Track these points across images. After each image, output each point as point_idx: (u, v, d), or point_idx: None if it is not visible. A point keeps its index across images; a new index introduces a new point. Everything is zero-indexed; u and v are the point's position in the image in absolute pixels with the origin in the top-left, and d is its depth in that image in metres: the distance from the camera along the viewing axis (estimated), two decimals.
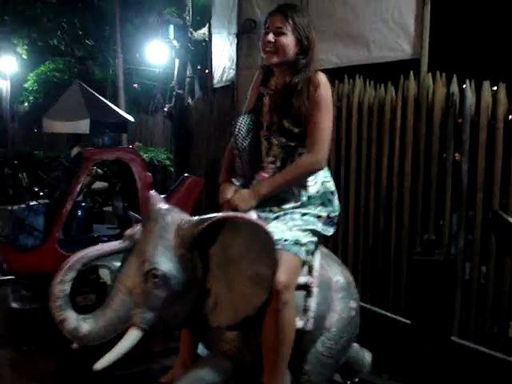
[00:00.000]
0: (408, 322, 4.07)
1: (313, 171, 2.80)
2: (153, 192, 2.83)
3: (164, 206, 2.66)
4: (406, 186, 4.47)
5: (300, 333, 2.72)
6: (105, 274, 3.94)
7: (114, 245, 2.62)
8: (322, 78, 2.75)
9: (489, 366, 3.91)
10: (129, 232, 2.62)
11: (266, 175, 2.84)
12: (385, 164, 4.62)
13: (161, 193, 6.36)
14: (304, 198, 2.81)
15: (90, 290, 3.82)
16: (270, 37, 2.72)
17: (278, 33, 2.72)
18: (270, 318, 2.61)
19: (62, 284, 2.47)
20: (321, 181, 2.86)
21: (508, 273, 3.89)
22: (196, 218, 2.59)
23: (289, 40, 2.73)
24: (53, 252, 5.12)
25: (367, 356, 3.30)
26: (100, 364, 2.47)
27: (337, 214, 2.94)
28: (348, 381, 3.05)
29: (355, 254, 4.89)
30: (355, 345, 3.20)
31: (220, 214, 2.56)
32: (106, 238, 5.99)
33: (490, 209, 3.06)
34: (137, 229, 2.61)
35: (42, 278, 3.78)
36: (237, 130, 2.87)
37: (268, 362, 2.68)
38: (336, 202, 2.94)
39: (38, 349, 4.77)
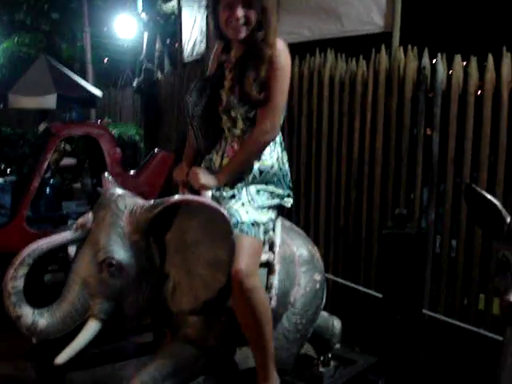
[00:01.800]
0: (378, 295, 4.10)
1: (263, 142, 2.70)
2: (106, 174, 2.75)
3: (116, 190, 2.60)
4: (378, 160, 4.46)
5: None
6: (74, 251, 3.88)
7: (66, 235, 2.54)
8: (280, 44, 2.68)
9: (459, 338, 3.96)
10: (80, 221, 2.55)
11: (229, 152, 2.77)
12: (356, 138, 4.61)
13: (131, 168, 6.34)
14: (256, 172, 2.72)
15: (59, 268, 3.77)
16: (240, 12, 2.60)
17: (246, 6, 2.61)
18: (241, 305, 2.58)
19: (14, 280, 2.41)
20: (276, 156, 2.79)
21: (478, 246, 3.92)
22: (150, 201, 2.53)
23: (252, 12, 2.63)
24: (21, 230, 5.04)
25: (336, 324, 3.30)
26: (61, 358, 2.44)
27: (290, 193, 2.88)
28: (321, 356, 3.05)
29: (327, 229, 4.89)
30: (324, 313, 3.20)
31: (174, 198, 2.50)
32: (75, 215, 5.93)
33: (463, 183, 3.07)
34: (88, 217, 2.55)
35: (9, 257, 3.71)
36: (187, 96, 2.78)
37: (254, 343, 2.68)
38: (289, 181, 2.87)
39: (7, 328, 4.71)
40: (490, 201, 2.31)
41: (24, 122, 14.42)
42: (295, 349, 2.91)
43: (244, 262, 2.53)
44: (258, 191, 2.73)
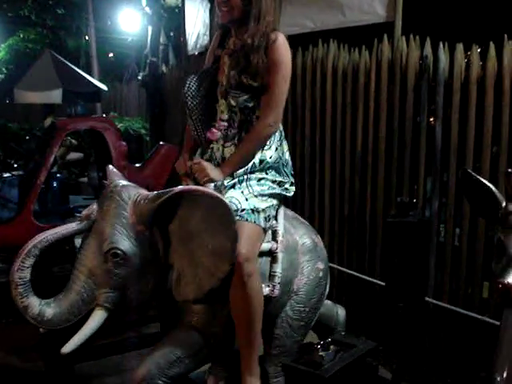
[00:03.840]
0: (383, 284, 4.12)
1: (266, 135, 2.75)
2: (110, 166, 2.78)
3: (120, 182, 2.61)
4: (381, 149, 4.47)
5: (267, 299, 2.72)
6: (80, 243, 3.92)
7: (72, 226, 2.57)
8: (280, 37, 2.71)
9: (463, 326, 3.98)
10: (85, 212, 2.58)
11: (216, 131, 2.79)
12: (359, 128, 4.62)
13: (136, 162, 6.37)
14: (256, 161, 2.75)
15: (67, 260, 3.79)
16: None
17: None
18: (235, 290, 2.60)
19: (21, 271, 2.44)
20: (275, 146, 2.81)
21: (481, 235, 3.94)
22: (154, 192, 2.55)
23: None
24: (28, 224, 5.08)
25: (341, 312, 3.32)
26: (67, 347, 2.46)
27: (291, 180, 2.90)
28: (321, 340, 3.08)
29: (331, 218, 4.91)
30: (328, 302, 3.22)
31: (177, 188, 2.52)
32: (81, 209, 5.96)
33: (461, 169, 3.08)
34: (93, 208, 2.58)
35: (17, 250, 3.76)
36: (186, 88, 2.79)
37: (241, 332, 2.70)
38: (290, 170, 2.90)
39: (15, 321, 4.75)
40: (485, 185, 2.33)
41: (30, 117, 14.45)
42: (299, 336, 2.94)
43: (244, 246, 2.55)
44: (258, 180, 2.75)
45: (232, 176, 2.73)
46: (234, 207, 2.58)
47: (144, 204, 2.50)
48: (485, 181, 2.35)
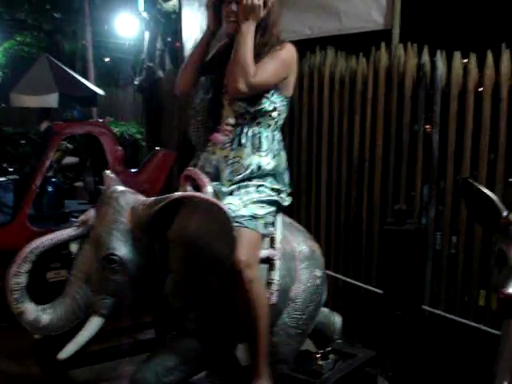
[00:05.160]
0: (379, 291, 4.11)
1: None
2: (108, 172, 2.77)
3: (117, 188, 2.61)
4: (378, 157, 4.48)
5: None
6: (76, 248, 3.90)
7: (69, 232, 2.56)
8: (289, 45, 2.76)
9: (460, 334, 3.97)
10: (82, 218, 2.57)
11: (220, 137, 2.80)
12: (356, 135, 4.62)
13: (132, 167, 6.35)
14: (254, 167, 2.74)
15: (61, 266, 3.79)
16: (234, 7, 2.69)
17: (239, 2, 2.68)
18: (240, 297, 2.60)
19: (17, 276, 2.43)
20: (272, 154, 2.81)
21: (478, 243, 3.94)
22: (152, 198, 2.54)
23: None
24: (23, 228, 5.05)
25: (337, 320, 3.31)
26: (64, 353, 2.46)
27: (288, 190, 2.91)
28: (321, 349, 3.07)
29: (328, 225, 4.91)
30: (325, 309, 3.21)
31: (175, 194, 2.51)
32: (77, 214, 5.93)
33: (460, 178, 3.08)
34: (90, 214, 2.56)
35: (12, 255, 3.74)
36: (195, 92, 2.87)
37: (249, 338, 2.69)
38: (287, 179, 2.91)
39: (9, 326, 4.72)
40: (486, 195, 2.33)
41: (26, 121, 14.42)
42: (296, 344, 2.92)
43: (244, 253, 2.55)
44: (257, 187, 2.75)
45: (230, 184, 2.72)
46: (232, 214, 2.57)
47: (142, 210, 2.49)
48: (486, 190, 2.35)
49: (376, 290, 4.32)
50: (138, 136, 11.21)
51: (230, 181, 2.73)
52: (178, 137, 7.78)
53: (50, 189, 6.22)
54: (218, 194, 2.68)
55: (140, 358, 3.46)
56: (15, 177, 6.04)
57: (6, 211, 5.47)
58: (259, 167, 2.75)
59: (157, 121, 9.30)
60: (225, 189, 2.71)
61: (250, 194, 2.72)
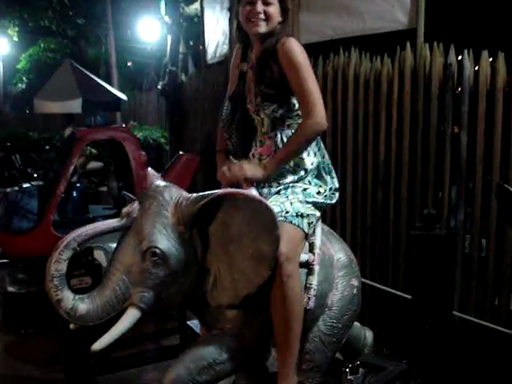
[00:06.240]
0: (407, 296, 4.04)
1: (315, 133, 2.75)
2: (150, 169, 2.77)
3: (162, 182, 2.61)
4: (405, 159, 4.39)
5: None
6: (100, 255, 3.90)
7: (111, 223, 2.55)
8: (293, 42, 2.72)
9: (490, 340, 3.88)
10: (126, 210, 2.55)
11: (268, 146, 2.80)
12: (382, 137, 4.55)
13: (156, 171, 6.35)
14: (302, 172, 2.77)
15: (85, 272, 3.77)
16: (260, 7, 2.70)
17: (266, 3, 2.71)
18: (275, 291, 2.57)
19: (58, 263, 2.40)
20: (313, 152, 2.82)
21: (509, 245, 3.84)
22: (195, 194, 2.53)
23: (276, 9, 2.73)
24: (47, 234, 5.08)
25: (368, 335, 3.27)
26: (98, 344, 2.43)
27: (336, 187, 2.89)
28: (350, 363, 3.01)
29: (353, 229, 4.84)
30: (357, 323, 3.17)
31: (219, 191, 2.51)
32: (101, 219, 5.94)
33: (495, 182, 3.00)
34: (134, 206, 2.55)
35: (37, 260, 3.75)
36: (223, 115, 2.87)
37: (280, 337, 2.65)
38: (333, 175, 2.91)
39: (35, 332, 4.75)
40: None
41: (50, 127, 14.57)
42: (330, 353, 2.87)
43: (285, 246, 2.53)
44: (303, 189, 2.75)
45: (278, 183, 2.74)
46: (278, 209, 2.58)
47: (186, 205, 2.49)
48: None
49: (405, 295, 4.24)
50: (162, 140, 11.24)
51: (277, 182, 2.75)
52: (201, 140, 7.79)
53: (74, 194, 6.27)
54: (264, 196, 2.69)
55: (165, 364, 3.45)
56: (39, 183, 6.08)
57: (30, 217, 5.50)
58: (305, 170, 2.77)
59: (180, 124, 9.33)
60: (272, 189, 2.73)
61: (297, 194, 2.73)
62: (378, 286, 4.54)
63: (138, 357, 4.13)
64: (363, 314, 3.49)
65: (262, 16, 2.70)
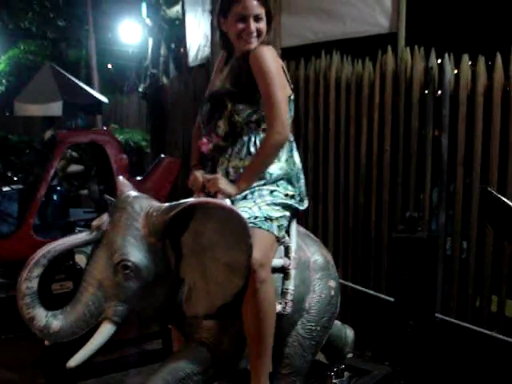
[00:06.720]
0: (389, 299, 4.06)
1: (278, 145, 2.72)
2: (121, 178, 2.72)
3: (132, 193, 2.56)
4: (386, 162, 4.42)
5: (279, 316, 2.66)
6: (81, 260, 3.87)
7: (81, 237, 2.50)
8: (263, 50, 2.71)
9: (472, 342, 3.91)
10: (96, 222, 2.51)
11: (207, 142, 2.80)
12: (364, 140, 4.57)
13: (137, 174, 6.33)
14: (267, 176, 2.73)
15: (66, 277, 3.75)
16: (253, 26, 2.69)
17: (258, 19, 2.70)
18: (248, 298, 2.54)
19: (29, 281, 2.35)
20: (285, 158, 2.80)
21: (489, 247, 3.88)
22: (166, 204, 2.49)
23: (264, 22, 2.73)
24: (28, 238, 5.04)
25: (349, 333, 3.26)
26: (74, 361, 2.39)
27: (304, 194, 2.89)
28: (335, 366, 3.01)
29: (335, 232, 4.85)
30: (337, 322, 3.16)
31: (191, 200, 2.46)
32: (82, 223, 5.91)
33: (480, 187, 3.03)
34: (104, 219, 2.51)
35: (17, 265, 3.71)
36: (201, 118, 2.88)
37: (252, 345, 2.62)
38: (302, 180, 2.90)
39: (16, 337, 4.70)
40: (507, 205, 2.27)
41: (30, 130, 14.46)
42: (309, 356, 2.87)
43: (257, 252, 2.50)
44: (270, 192, 2.73)
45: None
46: (246, 215, 2.54)
47: (156, 216, 2.44)
48: (507, 200, 2.29)
49: (387, 297, 4.26)
50: (143, 143, 11.20)
51: None
52: (182, 143, 7.76)
53: (54, 198, 6.21)
54: (232, 202, 2.65)
55: (147, 368, 3.43)
56: (19, 186, 6.03)
57: (10, 221, 5.45)
58: (271, 174, 2.74)
59: (161, 127, 9.29)
60: (238, 195, 2.68)
61: (264, 197, 2.70)
62: (361, 288, 4.56)
63: (121, 361, 4.09)
64: (345, 317, 3.49)
65: (254, 34, 2.70)
